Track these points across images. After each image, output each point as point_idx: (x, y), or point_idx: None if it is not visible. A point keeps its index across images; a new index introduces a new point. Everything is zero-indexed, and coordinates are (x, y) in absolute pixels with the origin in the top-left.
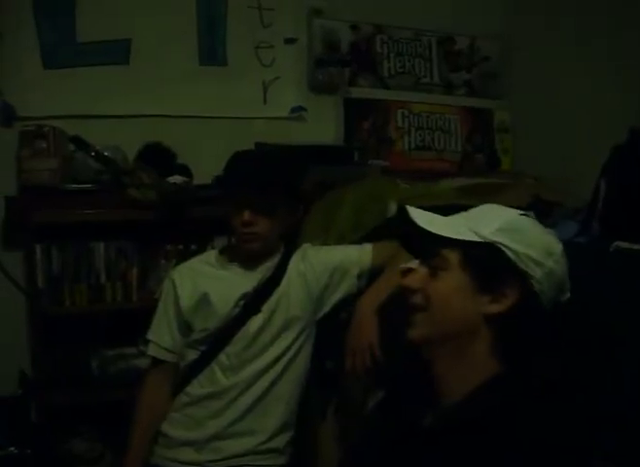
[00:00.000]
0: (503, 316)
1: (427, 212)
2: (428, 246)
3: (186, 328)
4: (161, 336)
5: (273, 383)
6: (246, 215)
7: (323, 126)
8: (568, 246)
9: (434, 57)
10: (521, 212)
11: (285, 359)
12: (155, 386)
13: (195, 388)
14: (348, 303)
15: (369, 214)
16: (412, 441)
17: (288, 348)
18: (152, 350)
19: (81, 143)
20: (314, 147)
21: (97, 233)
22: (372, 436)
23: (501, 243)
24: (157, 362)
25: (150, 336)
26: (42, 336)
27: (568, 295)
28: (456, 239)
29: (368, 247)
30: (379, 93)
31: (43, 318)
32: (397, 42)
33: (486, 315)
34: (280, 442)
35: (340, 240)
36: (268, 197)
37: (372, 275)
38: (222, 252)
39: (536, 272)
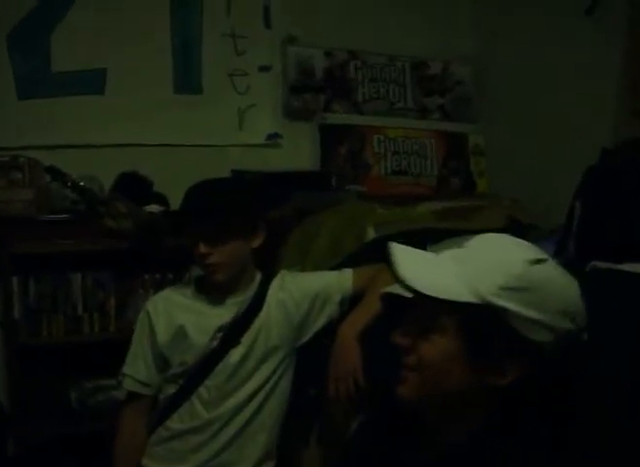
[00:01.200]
0: (504, 389)
1: (415, 254)
2: (420, 303)
3: (162, 361)
4: (137, 369)
5: (255, 415)
6: (201, 248)
7: (299, 153)
8: None
9: (408, 82)
10: (535, 257)
11: (266, 389)
12: (132, 420)
13: (176, 422)
14: (330, 329)
15: (346, 239)
16: None
17: (268, 379)
18: (128, 384)
19: (56, 173)
20: (291, 173)
21: (74, 264)
22: (353, 463)
23: (504, 307)
24: (133, 396)
25: (125, 369)
26: (19, 367)
27: (584, 338)
28: (452, 302)
29: (348, 272)
30: (354, 119)
31: (20, 350)
32: (371, 67)
33: (486, 387)
34: None
35: (318, 266)
36: (216, 227)
37: (352, 300)
38: (197, 283)
39: (546, 339)
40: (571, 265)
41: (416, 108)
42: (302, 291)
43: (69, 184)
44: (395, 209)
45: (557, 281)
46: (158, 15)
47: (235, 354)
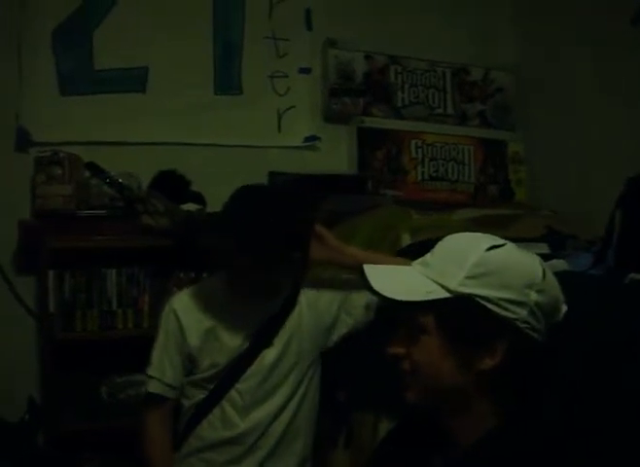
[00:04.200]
0: (497, 368)
1: (386, 269)
2: (401, 311)
3: (190, 362)
4: (164, 371)
5: (291, 421)
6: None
7: (337, 156)
8: (582, 278)
9: (448, 88)
10: (490, 244)
11: (300, 393)
12: (161, 425)
13: (207, 430)
14: (359, 335)
15: (381, 244)
16: None
17: (301, 382)
18: (154, 387)
19: (96, 169)
20: (328, 176)
21: (110, 260)
22: None
23: (473, 294)
24: (157, 399)
25: (151, 371)
26: (52, 361)
27: (564, 310)
28: (425, 301)
29: None
30: (393, 123)
31: (53, 343)
32: (411, 72)
33: (479, 372)
34: None
35: (352, 271)
36: (260, 267)
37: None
38: (228, 278)
39: (520, 313)
40: (610, 276)
41: (456, 114)
42: (331, 293)
43: (108, 180)
44: (431, 215)
45: (514, 260)
46: (200, 15)
47: (269, 356)
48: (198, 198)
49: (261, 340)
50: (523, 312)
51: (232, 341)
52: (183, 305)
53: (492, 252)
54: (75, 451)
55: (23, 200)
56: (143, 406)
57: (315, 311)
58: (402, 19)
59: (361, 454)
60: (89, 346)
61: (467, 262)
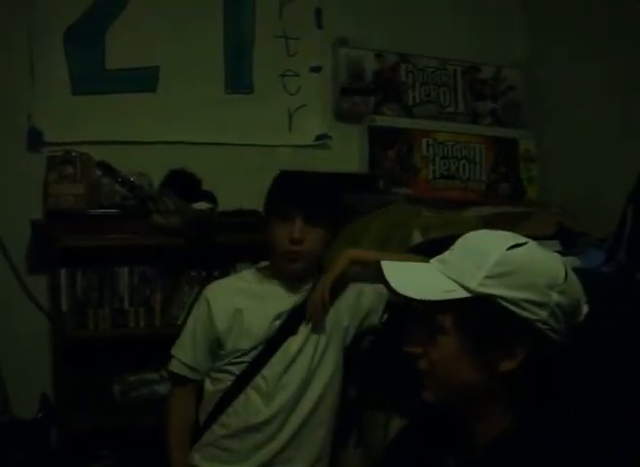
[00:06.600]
0: (516, 370)
1: (404, 266)
2: (420, 309)
3: (216, 347)
4: (184, 352)
5: (314, 409)
6: (297, 229)
7: (348, 154)
8: (594, 276)
9: (459, 87)
10: (512, 243)
11: (322, 382)
12: (183, 404)
13: (231, 418)
14: (370, 332)
15: (392, 242)
16: None
17: (320, 367)
18: (174, 366)
19: (107, 169)
20: (339, 175)
21: (122, 258)
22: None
23: (493, 295)
24: (179, 380)
25: (173, 351)
26: (64, 359)
27: (586, 311)
28: (444, 301)
29: None
30: (404, 122)
31: (66, 342)
32: (422, 71)
33: (498, 374)
34: None
35: None
36: (320, 207)
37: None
38: (260, 269)
39: (540, 315)
40: (621, 273)
41: (467, 112)
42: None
43: (119, 179)
44: (442, 213)
45: (536, 260)
46: (211, 14)
47: (295, 343)
48: (209, 197)
49: (287, 327)
50: (544, 313)
51: (257, 326)
52: (213, 293)
53: (513, 251)
54: (87, 449)
55: (36, 200)
56: (171, 386)
57: (337, 305)
58: (412, 18)
59: (371, 454)
60: (102, 345)
61: (487, 261)
